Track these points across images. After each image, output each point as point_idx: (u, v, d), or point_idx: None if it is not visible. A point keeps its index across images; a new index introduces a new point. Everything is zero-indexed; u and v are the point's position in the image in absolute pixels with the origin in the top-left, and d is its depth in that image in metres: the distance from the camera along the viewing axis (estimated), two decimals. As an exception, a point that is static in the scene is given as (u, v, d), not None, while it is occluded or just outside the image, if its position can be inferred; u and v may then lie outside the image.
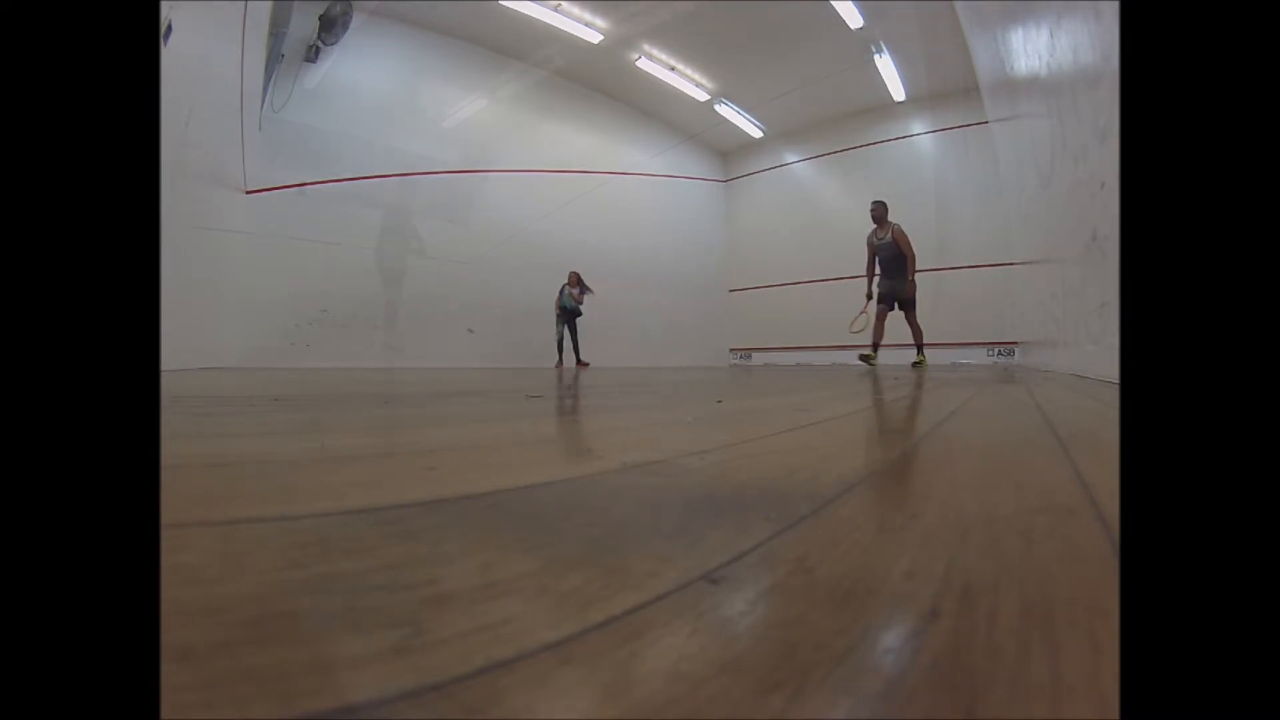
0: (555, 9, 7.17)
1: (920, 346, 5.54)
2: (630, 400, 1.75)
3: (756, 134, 10.25)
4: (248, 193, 5.66)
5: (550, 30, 7.39)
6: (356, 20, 6.59)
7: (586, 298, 7.62)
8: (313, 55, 6.41)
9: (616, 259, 8.84)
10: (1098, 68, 2.22)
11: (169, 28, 3.60)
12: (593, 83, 8.71)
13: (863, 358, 5.47)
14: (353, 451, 0.75)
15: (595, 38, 7.62)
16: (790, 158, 10.38)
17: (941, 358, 7.17)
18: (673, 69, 8.54)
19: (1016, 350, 7.56)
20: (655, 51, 8.22)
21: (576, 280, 7.61)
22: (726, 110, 9.56)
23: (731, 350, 11.01)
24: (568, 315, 7.66)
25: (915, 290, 5.46)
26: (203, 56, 4.42)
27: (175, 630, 0.23)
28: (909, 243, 5.46)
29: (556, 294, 7.70)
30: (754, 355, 10.73)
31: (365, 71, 6.83)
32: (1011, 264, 7.14)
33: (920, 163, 9.02)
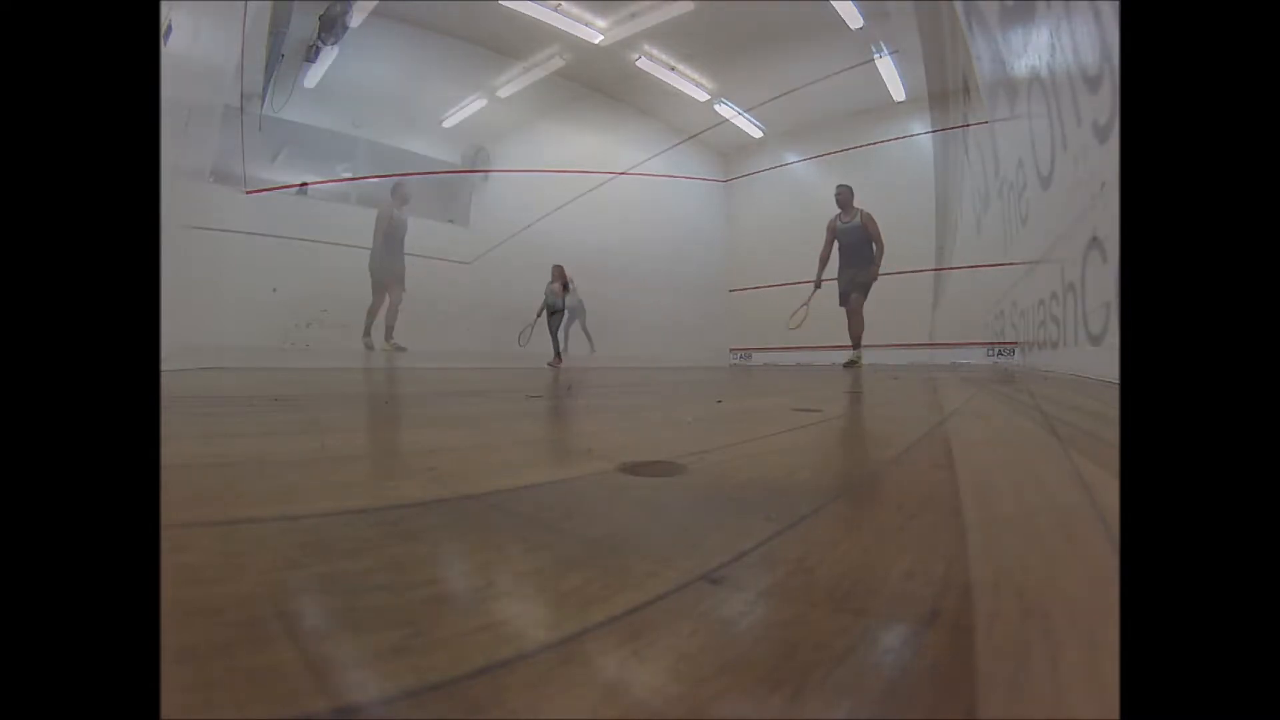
0: (555, 9, 7.17)
1: (858, 343, 5.15)
2: (631, 400, 1.75)
3: (756, 134, 10.25)
4: (248, 193, 5.67)
5: (550, 30, 7.40)
6: (356, 20, 6.60)
7: (569, 293, 7.47)
8: (312, 55, 6.42)
9: (616, 259, 8.84)
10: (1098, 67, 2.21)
11: (169, 28, 3.60)
12: (593, 83, 8.70)
13: (849, 364, 5.01)
14: (353, 451, 0.75)
15: (595, 38, 7.63)
16: (790, 158, 10.37)
17: (941, 358, 7.15)
18: (673, 69, 8.53)
19: (1016, 351, 7.55)
20: (655, 51, 8.21)
21: (559, 275, 7.50)
22: (726, 110, 9.55)
23: (732, 350, 11.00)
24: (550, 312, 7.56)
25: (875, 280, 5.13)
26: (203, 56, 4.42)
27: (175, 630, 0.23)
28: (879, 230, 5.12)
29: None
30: (754, 355, 10.72)
31: (365, 71, 6.83)
32: (1011, 264, 7.14)
33: (920, 163, 9.02)
